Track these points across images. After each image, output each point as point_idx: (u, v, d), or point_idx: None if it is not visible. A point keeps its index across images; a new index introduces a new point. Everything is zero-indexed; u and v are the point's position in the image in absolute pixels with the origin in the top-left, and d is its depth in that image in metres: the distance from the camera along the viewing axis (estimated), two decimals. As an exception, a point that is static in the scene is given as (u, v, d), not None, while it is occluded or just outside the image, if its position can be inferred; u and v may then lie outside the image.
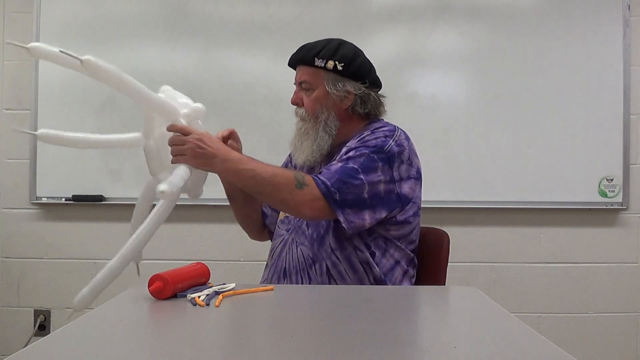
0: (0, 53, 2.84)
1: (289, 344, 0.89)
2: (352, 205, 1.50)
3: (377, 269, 1.55)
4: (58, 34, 2.78)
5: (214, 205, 2.71)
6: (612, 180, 2.75)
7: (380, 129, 1.60)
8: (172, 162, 1.43)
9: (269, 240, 1.81)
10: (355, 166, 1.51)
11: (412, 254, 1.62)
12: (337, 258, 1.55)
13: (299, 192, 1.47)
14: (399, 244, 1.58)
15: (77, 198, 2.76)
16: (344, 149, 1.58)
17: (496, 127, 2.76)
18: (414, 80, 2.76)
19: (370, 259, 1.55)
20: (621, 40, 2.75)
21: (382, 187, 1.53)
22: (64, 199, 2.77)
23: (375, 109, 1.67)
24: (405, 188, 1.56)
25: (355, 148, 1.55)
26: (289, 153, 1.87)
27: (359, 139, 1.58)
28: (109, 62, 1.23)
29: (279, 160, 1.87)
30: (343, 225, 1.49)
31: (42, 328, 2.81)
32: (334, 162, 1.55)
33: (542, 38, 2.76)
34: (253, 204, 1.78)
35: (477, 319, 1.10)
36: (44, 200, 2.78)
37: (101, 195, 2.74)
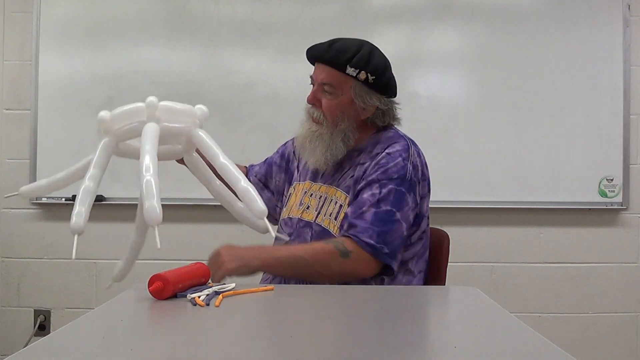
0: (0, 53, 2.84)
1: (289, 344, 0.89)
2: (400, 247, 1.50)
3: None
4: (58, 34, 2.78)
5: (214, 205, 2.71)
6: (612, 180, 2.75)
7: (395, 148, 1.55)
8: (216, 280, 1.41)
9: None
10: (389, 207, 1.48)
11: (423, 277, 1.61)
12: None
13: (347, 262, 1.44)
14: (409, 266, 1.56)
15: (77, 198, 2.75)
16: (359, 170, 1.55)
17: (496, 127, 2.76)
18: (414, 80, 2.76)
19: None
20: (621, 40, 2.75)
21: (411, 215, 1.53)
22: (64, 199, 2.77)
23: (392, 120, 1.64)
24: (425, 206, 1.58)
25: (379, 182, 1.50)
26: (284, 143, 1.85)
27: (375, 163, 1.54)
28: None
29: (279, 160, 1.86)
30: (396, 271, 1.50)
31: (42, 328, 2.81)
32: (362, 208, 1.49)
33: (542, 38, 2.76)
34: None
35: (477, 319, 1.10)
36: (44, 200, 2.78)
37: (101, 195, 2.74)
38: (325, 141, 1.57)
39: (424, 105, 2.75)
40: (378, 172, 1.52)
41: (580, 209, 2.78)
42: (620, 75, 2.75)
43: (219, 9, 2.78)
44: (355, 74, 1.53)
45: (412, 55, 2.76)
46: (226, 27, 2.78)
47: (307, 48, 1.62)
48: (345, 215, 1.51)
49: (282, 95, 2.73)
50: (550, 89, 2.76)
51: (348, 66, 1.52)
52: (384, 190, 1.49)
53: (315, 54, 1.58)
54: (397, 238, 1.48)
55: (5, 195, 1.43)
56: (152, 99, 1.31)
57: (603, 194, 2.76)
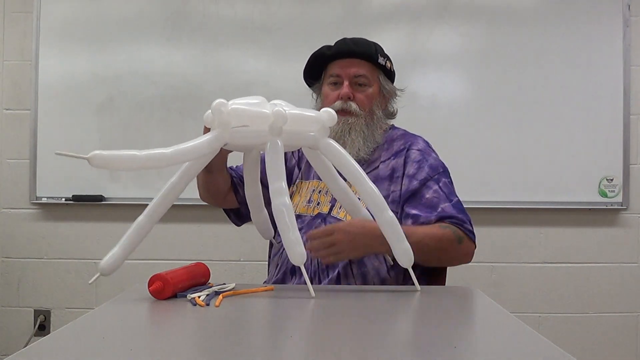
0: (1, 53, 2.84)
1: (289, 344, 0.89)
2: None
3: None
4: (58, 34, 2.78)
5: (214, 205, 2.71)
6: (612, 180, 2.75)
7: (420, 144, 1.64)
8: (327, 263, 1.45)
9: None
10: (456, 198, 1.57)
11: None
12: (352, 271, 1.51)
13: (460, 247, 1.48)
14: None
15: (77, 198, 2.76)
16: (383, 168, 1.59)
17: (496, 127, 2.76)
18: (414, 80, 2.76)
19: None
20: (621, 40, 2.75)
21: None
22: (64, 199, 2.77)
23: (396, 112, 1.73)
24: None
25: (432, 178, 1.57)
26: None
27: (412, 160, 1.59)
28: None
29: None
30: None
31: (42, 328, 2.81)
32: (440, 205, 1.52)
33: (542, 38, 2.76)
34: (224, 174, 1.63)
35: (477, 319, 1.10)
36: (44, 200, 2.78)
37: (101, 195, 2.74)
38: (363, 132, 1.60)
39: (424, 105, 2.75)
40: (425, 170, 1.58)
41: (580, 209, 2.78)
42: (620, 75, 2.75)
43: (219, 9, 2.78)
44: (384, 63, 1.64)
45: (412, 55, 2.76)
46: (226, 27, 2.78)
47: (314, 50, 1.67)
48: (416, 216, 1.51)
49: (282, 95, 2.71)
50: (550, 89, 2.75)
51: (379, 56, 1.63)
52: (441, 185, 1.57)
53: (345, 50, 1.63)
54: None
55: (90, 282, 1.20)
56: (280, 110, 1.19)
57: (603, 194, 2.75)
